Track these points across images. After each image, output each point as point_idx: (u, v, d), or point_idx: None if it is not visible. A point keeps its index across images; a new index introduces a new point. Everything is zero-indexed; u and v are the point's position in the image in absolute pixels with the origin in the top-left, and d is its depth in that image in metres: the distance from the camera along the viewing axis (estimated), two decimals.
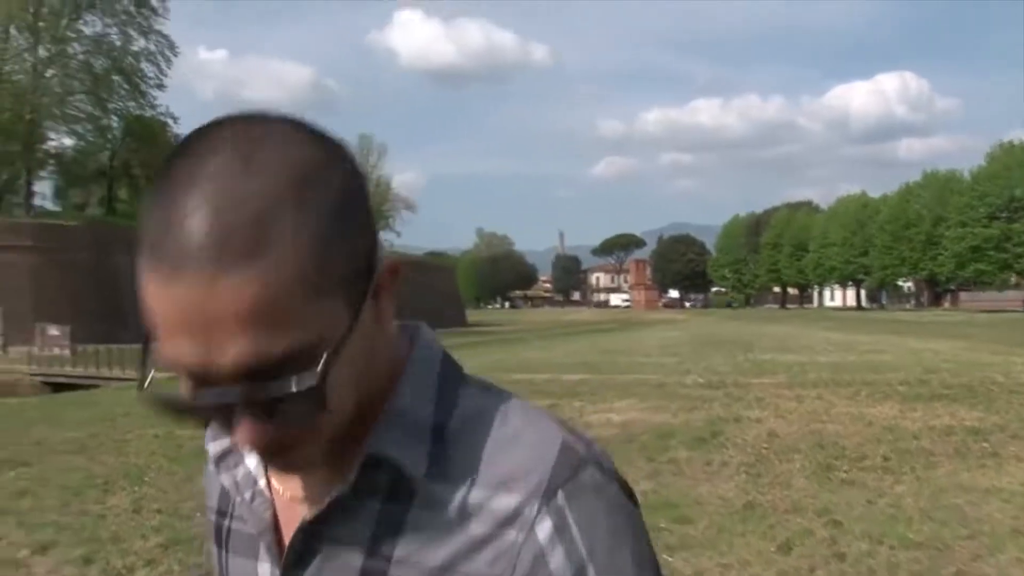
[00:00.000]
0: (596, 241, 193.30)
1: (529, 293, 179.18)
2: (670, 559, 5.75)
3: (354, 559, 0.81)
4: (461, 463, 0.80)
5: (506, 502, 0.78)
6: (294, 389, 0.70)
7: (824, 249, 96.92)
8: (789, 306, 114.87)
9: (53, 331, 20.64)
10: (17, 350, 22.93)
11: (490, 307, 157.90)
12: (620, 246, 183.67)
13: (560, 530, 0.76)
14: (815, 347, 23.91)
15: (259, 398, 0.70)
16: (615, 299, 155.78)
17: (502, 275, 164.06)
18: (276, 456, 0.77)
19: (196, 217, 0.67)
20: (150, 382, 0.74)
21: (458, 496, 0.79)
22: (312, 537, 0.83)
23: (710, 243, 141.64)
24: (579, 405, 13.21)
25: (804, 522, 6.55)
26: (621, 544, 0.79)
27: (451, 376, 0.86)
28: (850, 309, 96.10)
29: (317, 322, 0.71)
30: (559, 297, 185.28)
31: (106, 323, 38.61)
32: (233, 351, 0.68)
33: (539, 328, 51.51)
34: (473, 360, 24.69)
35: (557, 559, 0.76)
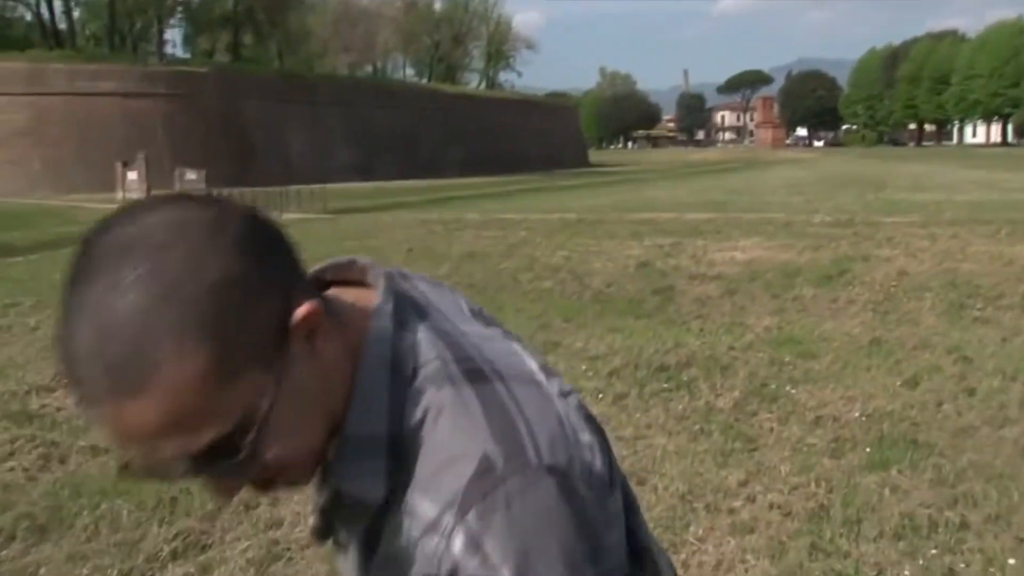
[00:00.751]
0: (721, 79, 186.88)
1: (652, 133, 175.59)
2: (793, 391, 5.81)
3: (356, 546, 0.94)
4: (410, 468, 0.85)
5: (430, 510, 0.83)
6: (228, 467, 0.79)
7: (968, 81, 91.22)
8: (925, 143, 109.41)
9: (191, 175, 21.50)
10: (159, 194, 24.07)
11: (612, 148, 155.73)
12: (746, 83, 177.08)
13: (474, 545, 0.81)
14: (953, 185, 22.85)
15: (208, 473, 0.80)
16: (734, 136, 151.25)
17: (625, 115, 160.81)
18: (262, 491, 0.89)
19: (85, 356, 0.74)
20: (124, 465, 0.81)
21: (407, 499, 0.85)
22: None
23: (841, 79, 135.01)
24: (702, 244, 13.13)
25: (933, 358, 6.47)
26: (542, 547, 0.82)
27: (401, 376, 0.88)
28: (994, 146, 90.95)
29: (237, 403, 0.78)
30: (683, 137, 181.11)
31: (236, 166, 39.93)
32: (163, 452, 0.77)
33: (662, 168, 50.76)
34: (595, 201, 24.57)
35: (472, 566, 0.80)
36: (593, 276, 10.65)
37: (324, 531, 0.98)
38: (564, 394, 0.94)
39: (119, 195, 27.44)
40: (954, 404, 5.41)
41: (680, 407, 5.58)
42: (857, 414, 5.27)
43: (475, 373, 0.89)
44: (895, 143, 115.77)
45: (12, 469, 4.79)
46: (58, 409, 5.92)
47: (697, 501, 4.13)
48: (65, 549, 3.85)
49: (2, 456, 5.00)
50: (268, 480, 0.86)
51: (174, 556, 3.77)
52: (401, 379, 0.88)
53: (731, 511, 4.04)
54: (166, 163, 33.96)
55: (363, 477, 0.87)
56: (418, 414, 0.86)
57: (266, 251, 0.82)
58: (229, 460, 0.79)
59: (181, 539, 3.88)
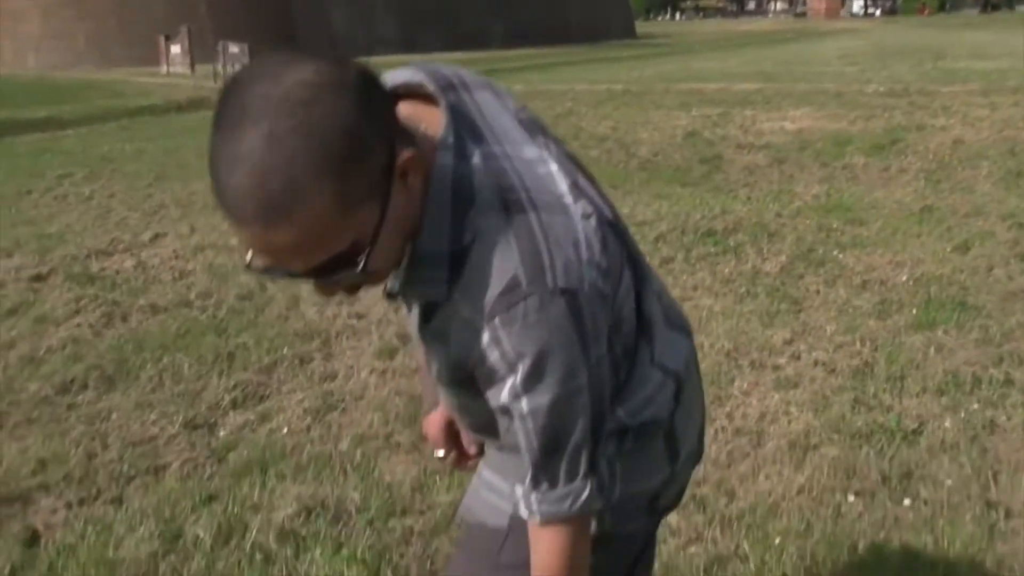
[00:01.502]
0: None
1: (701, 3, 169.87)
2: (840, 256, 5.80)
3: (417, 313, 1.22)
4: (460, 277, 1.10)
5: (467, 312, 1.10)
6: (345, 279, 1.05)
7: None
8: (994, 10, 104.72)
9: (233, 48, 21.28)
10: (203, 68, 23.84)
11: (660, 19, 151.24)
12: None
13: (496, 341, 1.08)
14: (1019, 53, 21.97)
15: (323, 281, 1.06)
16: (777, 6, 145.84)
17: None
18: (352, 293, 1.14)
19: (243, 193, 0.94)
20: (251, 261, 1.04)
21: (454, 298, 1.11)
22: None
23: None
24: (751, 113, 12.88)
25: (986, 225, 6.39)
26: (549, 351, 1.07)
27: (460, 203, 1.09)
28: None
29: (353, 230, 1.00)
30: (733, 7, 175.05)
31: (278, 38, 39.49)
32: (294, 264, 1.00)
33: (711, 39, 49.35)
34: (641, 72, 23.94)
35: (495, 356, 1.09)
36: (640, 145, 10.55)
37: (391, 299, 1.22)
38: (586, 216, 1.14)
39: (163, 69, 27.31)
40: (1005, 269, 5.37)
41: (727, 270, 5.60)
42: (905, 278, 5.26)
43: (515, 204, 1.10)
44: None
45: (79, 325, 4.98)
46: (117, 272, 6.10)
47: (742, 358, 4.20)
48: (133, 398, 4.04)
49: (68, 314, 5.19)
50: (359, 284, 1.10)
51: (234, 405, 3.94)
52: (459, 206, 1.09)
53: (776, 368, 4.10)
54: (208, 36, 33.66)
55: (429, 283, 1.13)
56: (469, 236, 1.09)
57: (378, 105, 1.01)
58: (343, 271, 1.02)
59: (240, 390, 4.04)
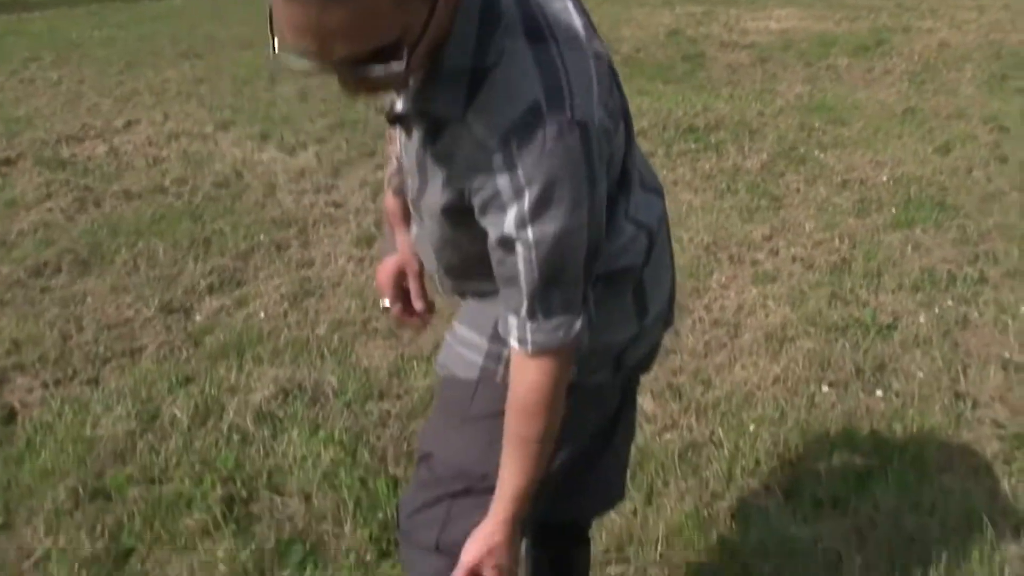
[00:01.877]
0: None
1: None
2: (821, 155, 5.77)
3: (420, 137, 1.19)
4: (478, 97, 1.08)
5: (482, 133, 1.08)
6: (383, 74, 1.00)
7: None
8: None
9: None
10: None
11: None
12: None
13: (508, 164, 1.07)
14: None
15: (356, 77, 1.02)
16: None
17: None
18: (371, 94, 1.11)
19: None
20: (276, 51, 1.01)
21: (468, 119, 1.09)
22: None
23: None
24: (735, 12, 12.63)
25: (968, 127, 6.36)
26: (561, 179, 1.07)
27: (486, 24, 1.08)
28: None
29: (399, 24, 0.97)
30: None
31: None
32: (337, 50, 0.96)
33: None
34: None
35: (503, 181, 1.08)
36: (622, 43, 10.35)
37: (397, 121, 1.21)
38: (598, 56, 1.16)
39: None
40: (985, 171, 5.36)
41: (707, 166, 5.57)
42: (885, 178, 5.25)
43: (537, 32, 1.10)
44: None
45: (51, 210, 4.90)
46: (88, 158, 5.98)
47: (721, 252, 4.20)
48: (108, 282, 4.00)
49: (39, 198, 5.10)
50: (386, 84, 1.08)
51: (211, 290, 3.91)
52: (486, 24, 1.08)
53: (754, 262, 4.11)
54: None
55: (446, 100, 1.10)
56: (493, 57, 1.08)
57: None
58: (381, 64, 0.99)
59: (216, 275, 4.01)
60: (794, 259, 4.14)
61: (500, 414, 1.31)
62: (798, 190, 5.14)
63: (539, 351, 1.23)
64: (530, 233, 1.10)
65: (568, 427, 1.37)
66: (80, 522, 2.46)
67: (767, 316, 3.57)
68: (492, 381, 1.39)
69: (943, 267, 3.96)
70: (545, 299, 1.17)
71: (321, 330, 3.51)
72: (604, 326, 1.35)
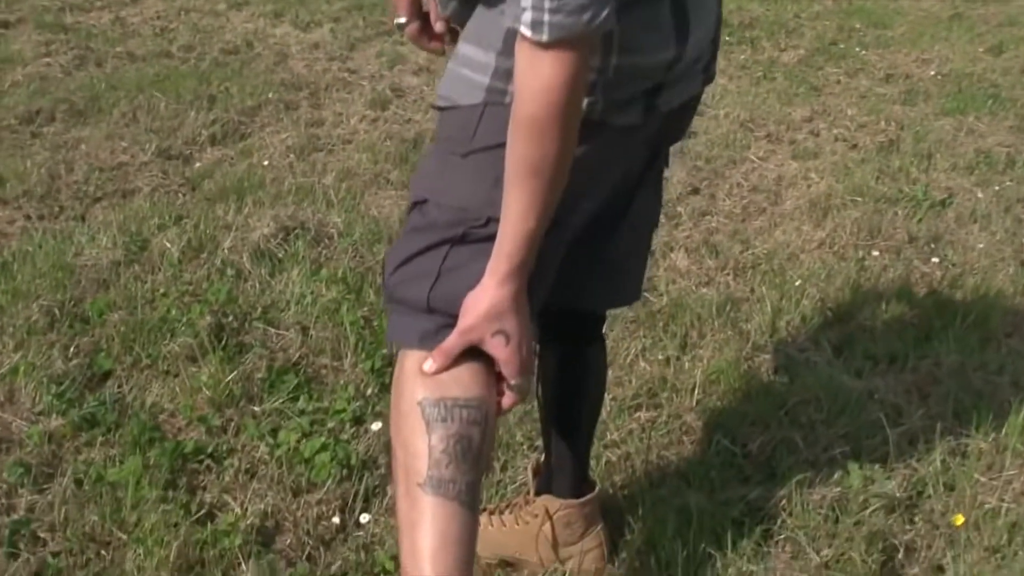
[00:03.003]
0: None
1: None
2: (863, 52, 5.44)
3: None
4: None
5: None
6: None
7: None
8: None
9: None
10: None
11: None
12: None
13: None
14: None
15: None
16: None
17: None
18: None
19: None
20: None
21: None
22: None
23: None
24: None
25: (1021, 32, 6.00)
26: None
27: None
28: None
29: None
30: None
31: None
32: None
33: None
34: None
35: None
36: None
37: None
38: None
39: None
40: None
41: (742, 57, 5.24)
42: (933, 72, 4.93)
43: None
44: None
45: (49, 65, 4.63)
46: (93, 25, 5.67)
47: (759, 130, 3.91)
48: (103, 130, 3.74)
49: (37, 55, 4.81)
50: None
51: (212, 141, 3.66)
52: None
53: (793, 142, 3.82)
54: None
55: None
56: None
57: None
58: None
59: (219, 126, 3.75)
60: (836, 139, 3.85)
61: (502, 143, 1.09)
62: (838, 82, 4.83)
63: (557, 38, 0.99)
64: None
65: (589, 173, 1.17)
66: (53, 340, 2.24)
67: (809, 187, 3.30)
68: (500, 104, 1.14)
69: (1000, 151, 3.67)
70: None
71: (328, 179, 3.25)
72: (636, 43, 1.13)
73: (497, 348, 1.13)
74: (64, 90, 4.22)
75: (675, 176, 3.37)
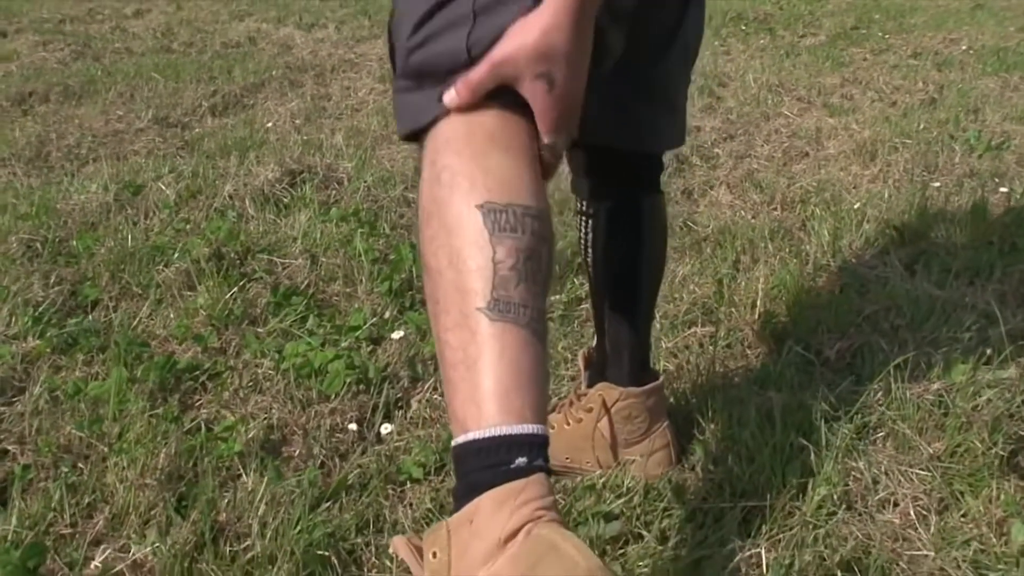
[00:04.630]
0: None
1: None
2: (886, 37, 5.24)
3: None
4: None
5: None
6: None
7: None
8: None
9: None
10: None
11: None
12: None
13: None
14: None
15: None
16: None
17: None
18: None
19: None
20: None
21: None
22: None
23: None
24: None
25: None
26: None
27: None
28: None
29: None
30: None
31: None
32: None
33: None
34: None
35: None
36: None
37: None
38: None
39: None
40: None
41: (761, 42, 5.06)
42: (964, 48, 4.72)
43: None
44: None
45: (45, 59, 4.47)
46: (93, 31, 5.54)
47: (788, 94, 3.70)
48: (99, 107, 3.55)
49: (33, 49, 4.66)
50: None
51: (213, 111, 3.47)
52: None
53: (827, 104, 3.60)
54: None
55: None
56: None
57: None
58: None
59: (220, 97, 3.57)
60: (872, 100, 3.63)
61: None
62: (865, 59, 4.62)
63: None
64: None
65: None
66: (32, 270, 2.00)
67: (851, 136, 3.07)
68: None
69: None
70: None
71: (337, 139, 3.03)
72: None
73: (537, 93, 0.88)
74: (59, 76, 4.04)
75: (707, 124, 3.15)
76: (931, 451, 1.34)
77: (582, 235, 1.35)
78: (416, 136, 0.95)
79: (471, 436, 0.80)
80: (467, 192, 0.86)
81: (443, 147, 0.90)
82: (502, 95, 0.89)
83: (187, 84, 3.80)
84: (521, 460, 0.79)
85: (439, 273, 0.86)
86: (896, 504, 1.26)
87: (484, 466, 0.79)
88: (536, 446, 0.80)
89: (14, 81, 3.94)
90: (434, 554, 0.80)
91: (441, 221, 0.87)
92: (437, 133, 0.91)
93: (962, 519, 1.23)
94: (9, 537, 1.22)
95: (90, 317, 1.83)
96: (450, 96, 0.88)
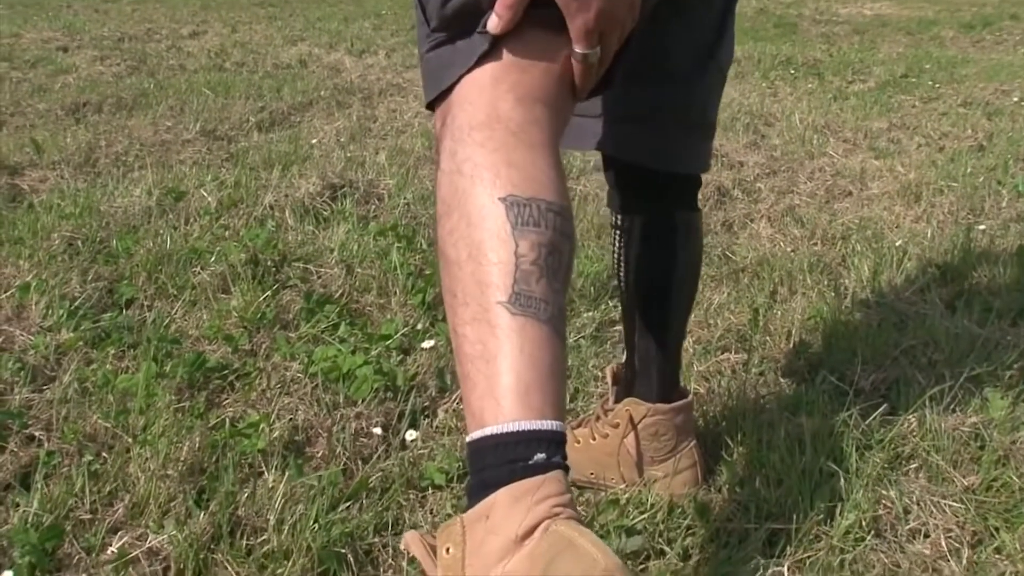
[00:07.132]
0: None
1: None
2: (937, 86, 5.21)
3: None
4: None
5: None
6: None
7: None
8: None
9: None
10: None
11: None
12: None
13: None
14: None
15: None
16: None
17: None
18: None
19: None
20: None
21: None
22: None
23: None
24: (825, 4, 12.09)
25: None
26: None
27: None
28: None
29: None
30: None
31: None
32: None
33: None
34: None
35: None
36: None
37: None
38: None
39: None
40: None
41: (809, 86, 5.04)
42: (1016, 99, 4.67)
43: None
44: None
45: (101, 73, 4.57)
46: (150, 49, 5.66)
47: (835, 135, 3.68)
48: (149, 118, 3.61)
49: (90, 63, 4.77)
50: None
51: (260, 128, 3.51)
52: None
53: (873, 147, 3.58)
54: None
55: None
56: None
57: None
58: None
59: (268, 114, 3.61)
60: (920, 145, 3.60)
61: None
62: (914, 106, 4.59)
63: None
64: None
65: None
66: (72, 266, 2.03)
67: (896, 178, 3.04)
68: None
69: None
70: None
71: (381, 157, 3.05)
72: None
73: (572, 6, 0.86)
74: (113, 89, 4.13)
75: (751, 159, 3.14)
76: (965, 483, 1.30)
77: (615, 248, 1.34)
78: (441, 99, 0.93)
79: (488, 431, 0.78)
80: (490, 184, 0.85)
81: (465, 138, 0.88)
82: (537, 21, 0.87)
83: (236, 100, 3.86)
84: (540, 456, 0.77)
85: (458, 266, 0.85)
86: (927, 535, 1.22)
87: (501, 461, 0.77)
88: (555, 443, 0.78)
89: (70, 92, 4.02)
90: (448, 550, 0.78)
91: (462, 213, 0.86)
92: (456, 117, 0.89)
93: (996, 554, 1.20)
94: (30, 520, 1.23)
95: (125, 314, 1.84)
96: (492, 21, 0.86)
